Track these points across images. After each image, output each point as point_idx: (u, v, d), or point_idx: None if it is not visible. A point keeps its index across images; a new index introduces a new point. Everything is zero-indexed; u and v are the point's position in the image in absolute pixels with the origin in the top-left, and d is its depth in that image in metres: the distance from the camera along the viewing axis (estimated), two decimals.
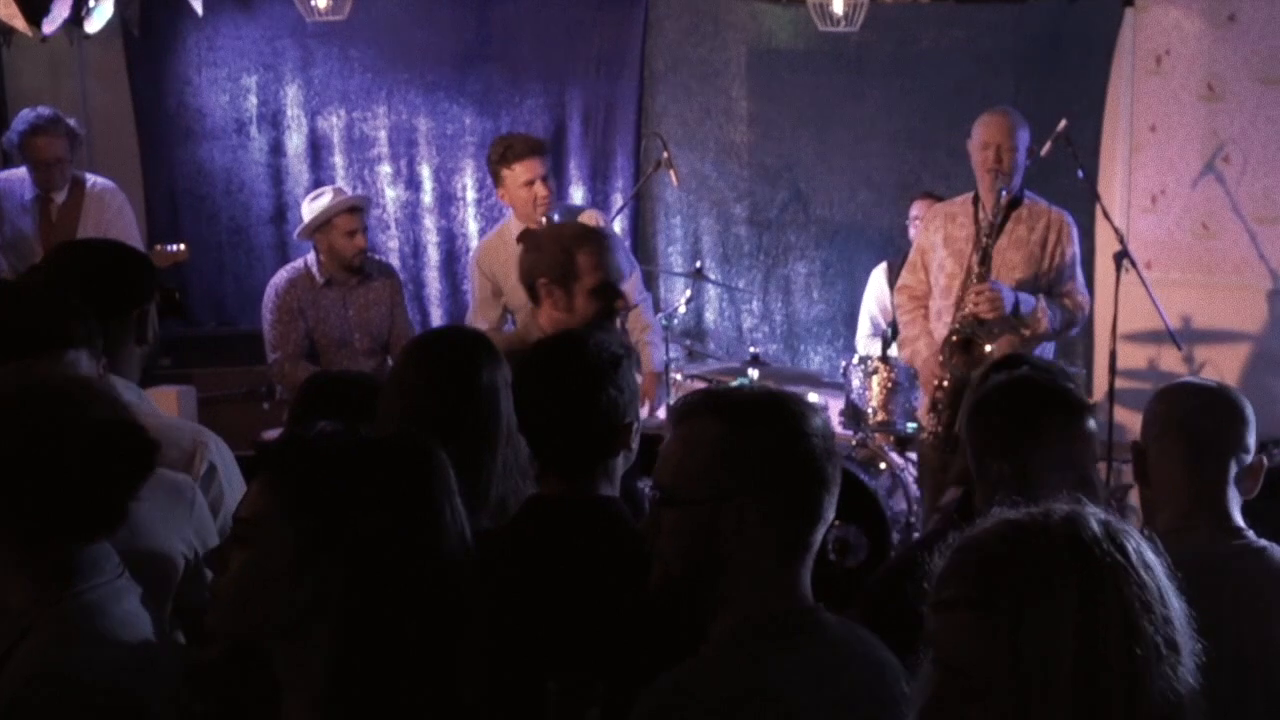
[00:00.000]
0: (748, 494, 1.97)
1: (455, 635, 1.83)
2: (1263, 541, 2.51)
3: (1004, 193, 5.03)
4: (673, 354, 6.26)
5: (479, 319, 5.50)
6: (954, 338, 5.00)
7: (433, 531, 1.85)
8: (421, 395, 2.78)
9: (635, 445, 2.62)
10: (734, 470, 1.98)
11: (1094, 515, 1.52)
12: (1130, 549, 1.49)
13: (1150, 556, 1.50)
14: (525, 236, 4.88)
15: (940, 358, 5.05)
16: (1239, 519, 2.53)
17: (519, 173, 5.33)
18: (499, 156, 5.36)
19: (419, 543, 1.83)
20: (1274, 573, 2.47)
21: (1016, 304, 4.99)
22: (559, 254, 3.86)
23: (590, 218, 5.51)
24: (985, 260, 5.03)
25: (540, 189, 5.33)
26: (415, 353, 2.93)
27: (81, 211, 5.91)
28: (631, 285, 5.19)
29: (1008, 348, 4.92)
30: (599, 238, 3.92)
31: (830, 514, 2.02)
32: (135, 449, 2.12)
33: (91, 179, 6.04)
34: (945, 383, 5.03)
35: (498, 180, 5.43)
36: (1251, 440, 2.54)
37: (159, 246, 5.98)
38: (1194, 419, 2.54)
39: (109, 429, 2.09)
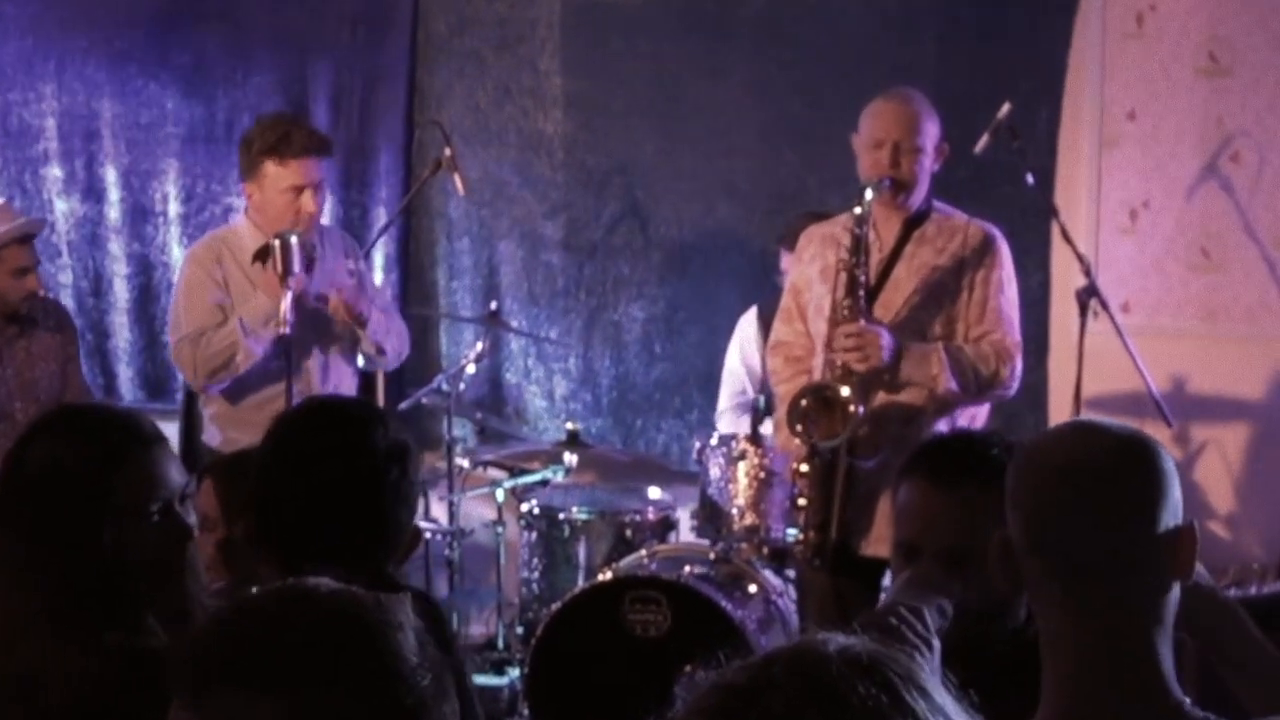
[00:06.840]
0: None
1: None
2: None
3: (869, 193, 4.68)
4: (458, 432, 5.90)
5: (185, 327, 5.13)
6: (802, 401, 4.65)
7: None
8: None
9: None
10: None
11: (832, 647, 1.39)
12: (893, 676, 1.35)
13: (924, 678, 1.38)
14: (262, 254, 4.81)
15: (794, 430, 4.71)
16: (1174, 681, 1.96)
17: (289, 174, 4.97)
18: (269, 145, 5.00)
19: None
20: None
21: (900, 353, 4.71)
22: None
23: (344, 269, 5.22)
24: (853, 290, 4.71)
25: (309, 202, 4.99)
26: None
27: None
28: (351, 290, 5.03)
29: (922, 400, 4.63)
30: None
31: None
32: None
33: None
34: (805, 466, 4.70)
35: (251, 173, 5.04)
36: (1177, 506, 2.00)
37: None
38: (1073, 533, 2.04)
39: None
